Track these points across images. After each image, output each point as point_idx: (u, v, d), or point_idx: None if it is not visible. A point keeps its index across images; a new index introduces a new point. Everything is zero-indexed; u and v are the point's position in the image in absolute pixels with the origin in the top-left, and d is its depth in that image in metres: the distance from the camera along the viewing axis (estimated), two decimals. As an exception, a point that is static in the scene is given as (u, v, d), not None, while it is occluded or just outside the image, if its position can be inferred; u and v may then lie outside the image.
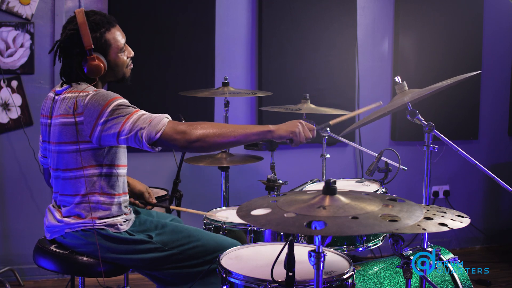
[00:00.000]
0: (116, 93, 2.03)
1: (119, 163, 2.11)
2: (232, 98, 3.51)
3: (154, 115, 1.96)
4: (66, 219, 2.09)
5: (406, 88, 2.40)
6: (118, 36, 2.14)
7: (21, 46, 3.59)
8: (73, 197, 2.08)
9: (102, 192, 2.07)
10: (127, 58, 2.20)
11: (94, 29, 2.07)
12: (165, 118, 1.96)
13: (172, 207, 2.68)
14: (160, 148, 1.96)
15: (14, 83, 3.61)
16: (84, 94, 2.01)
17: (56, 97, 2.11)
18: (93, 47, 2.05)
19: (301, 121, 2.05)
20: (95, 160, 2.04)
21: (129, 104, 2.01)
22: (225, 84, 3.24)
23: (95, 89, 2.06)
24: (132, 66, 2.24)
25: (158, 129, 1.91)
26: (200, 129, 1.92)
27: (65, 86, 2.11)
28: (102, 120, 1.95)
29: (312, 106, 3.17)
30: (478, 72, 2.45)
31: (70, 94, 2.05)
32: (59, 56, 2.13)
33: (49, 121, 2.12)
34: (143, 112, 1.99)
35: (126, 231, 2.11)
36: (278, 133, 1.99)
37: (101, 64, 2.07)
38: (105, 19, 2.11)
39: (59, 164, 2.09)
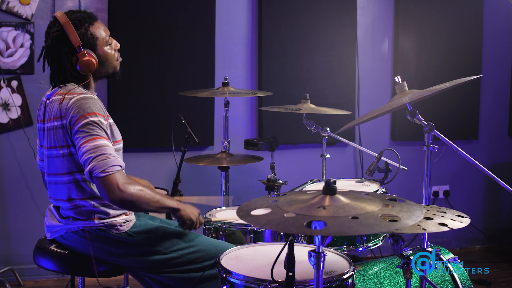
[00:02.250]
0: (98, 108, 2.00)
1: None
2: (232, 98, 3.51)
3: (113, 155, 1.92)
4: (65, 220, 2.09)
5: (406, 88, 2.40)
6: (102, 30, 2.16)
7: (21, 46, 3.59)
8: (65, 202, 2.07)
9: (92, 196, 2.06)
10: (114, 51, 2.21)
11: (78, 26, 2.08)
12: (119, 166, 1.90)
13: (177, 198, 2.70)
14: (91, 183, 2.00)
15: (14, 83, 3.61)
16: (69, 96, 2.01)
17: (47, 101, 2.11)
18: (81, 43, 2.07)
19: (198, 213, 2.16)
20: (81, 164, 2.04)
21: (102, 125, 1.97)
22: (225, 84, 3.24)
23: (81, 91, 2.05)
24: (120, 59, 2.24)
25: (106, 170, 1.87)
26: (136, 192, 1.91)
27: (54, 89, 2.12)
28: (74, 129, 1.96)
29: (312, 106, 3.17)
30: (478, 76, 2.46)
31: (57, 97, 2.05)
32: (48, 61, 2.13)
33: (42, 125, 2.12)
34: (107, 143, 1.94)
35: (126, 232, 2.11)
36: (180, 214, 2.09)
37: (93, 59, 2.09)
38: (86, 14, 2.14)
39: (50, 169, 2.09)
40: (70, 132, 1.98)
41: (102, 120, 1.98)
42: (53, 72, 2.13)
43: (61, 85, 2.10)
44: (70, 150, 2.02)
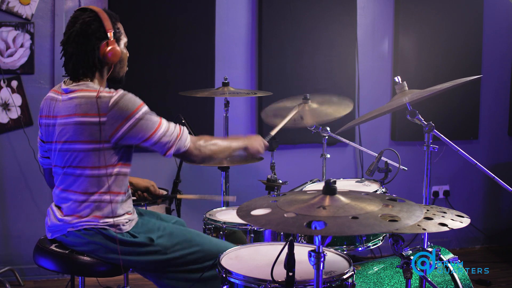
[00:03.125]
0: (138, 99, 2.06)
1: (129, 162, 2.13)
2: (232, 98, 3.51)
3: (177, 128, 2.10)
4: (67, 218, 2.08)
5: (406, 88, 2.40)
6: (123, 30, 2.20)
7: (21, 46, 3.59)
8: (79, 195, 2.06)
9: (109, 191, 2.06)
10: (126, 57, 2.23)
11: (109, 17, 2.11)
12: (187, 134, 2.13)
13: (179, 196, 2.74)
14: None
15: (14, 83, 3.61)
16: (107, 95, 2.00)
17: (61, 96, 2.08)
18: (113, 31, 2.08)
19: (264, 144, 2.40)
20: (109, 159, 2.04)
21: (151, 111, 2.08)
22: (225, 84, 3.25)
23: (114, 90, 2.03)
24: (127, 69, 2.25)
25: (186, 145, 2.11)
26: (211, 146, 2.18)
27: (72, 84, 2.08)
28: (129, 124, 1.98)
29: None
30: (478, 76, 2.46)
31: (83, 93, 2.02)
32: (73, 47, 2.07)
33: (52, 121, 2.11)
34: (165, 121, 2.09)
35: (128, 231, 2.11)
36: (250, 152, 2.33)
37: (118, 49, 2.10)
38: (113, 12, 2.17)
39: (70, 162, 2.06)
40: (118, 128, 1.99)
41: (148, 108, 2.06)
42: (78, 60, 2.07)
43: (80, 78, 2.07)
44: (103, 146, 2.01)
